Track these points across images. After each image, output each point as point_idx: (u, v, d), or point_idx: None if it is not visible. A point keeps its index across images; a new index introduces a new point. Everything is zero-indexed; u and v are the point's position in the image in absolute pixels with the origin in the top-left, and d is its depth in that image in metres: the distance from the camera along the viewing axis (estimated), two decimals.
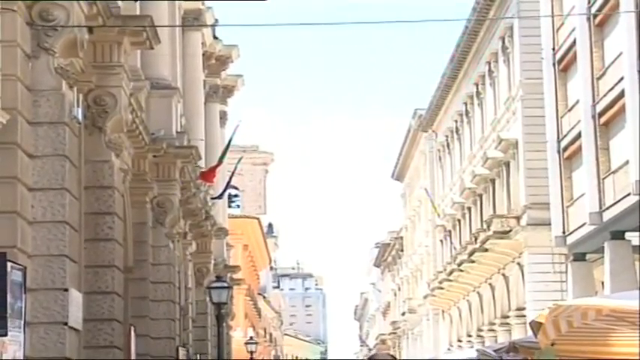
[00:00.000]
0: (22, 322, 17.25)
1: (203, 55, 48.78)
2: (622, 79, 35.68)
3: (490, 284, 58.96)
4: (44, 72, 21.80)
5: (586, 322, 15.82)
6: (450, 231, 70.98)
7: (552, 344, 15.98)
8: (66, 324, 21.56)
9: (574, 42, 42.00)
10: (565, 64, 44.58)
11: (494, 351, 25.53)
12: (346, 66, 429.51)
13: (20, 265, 17.50)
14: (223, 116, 57.93)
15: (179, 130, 36.88)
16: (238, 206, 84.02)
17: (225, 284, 39.34)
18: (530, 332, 19.35)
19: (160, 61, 35.21)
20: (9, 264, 14.99)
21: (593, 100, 39.76)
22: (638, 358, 17.82)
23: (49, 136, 21.85)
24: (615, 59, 37.16)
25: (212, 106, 52.95)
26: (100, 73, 25.31)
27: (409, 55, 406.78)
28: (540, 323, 16.14)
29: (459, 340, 66.43)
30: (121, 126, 27.13)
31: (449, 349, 63.95)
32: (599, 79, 39.21)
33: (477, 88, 62.46)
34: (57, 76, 22.08)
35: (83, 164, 24.45)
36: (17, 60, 20.08)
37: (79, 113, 23.88)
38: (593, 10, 39.45)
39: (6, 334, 15.15)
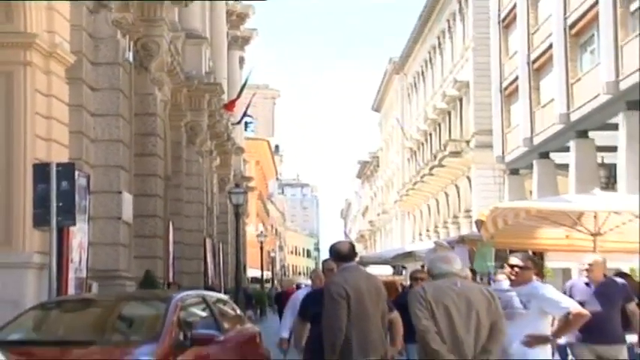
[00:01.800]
0: (87, 216, 17.38)
1: (226, 12, 48.62)
2: (551, 34, 35.64)
3: (445, 192, 59.16)
4: (103, 24, 21.83)
5: (517, 220, 15.95)
6: (415, 151, 71.10)
7: (491, 237, 16.12)
8: (120, 218, 21.76)
9: (515, 5, 41.86)
10: (507, 22, 44.47)
11: (448, 242, 25.70)
12: (339, 22, 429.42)
13: (85, 172, 17.63)
14: (242, 60, 57.88)
15: (207, 70, 36.83)
16: (252, 131, 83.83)
17: (242, 190, 39.49)
18: (475, 228, 19.47)
19: (193, 16, 35.15)
20: (77, 172, 15.06)
21: (529, 51, 39.75)
22: (557, 247, 18.00)
23: (106, 74, 21.92)
24: (547, 19, 37.07)
25: (233, 52, 52.91)
26: (146, 25, 25.29)
27: (385, 14, 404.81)
28: (482, 221, 16.27)
29: (420, 234, 66.71)
30: (163, 67, 27.20)
31: (412, 241, 64.22)
32: (533, 34, 39.12)
33: (439, 40, 62.23)
34: (113, 27, 22.09)
35: (133, 96, 24.52)
36: (82, 14, 20.14)
37: (130, 56, 23.92)
38: None
39: (74, 225, 15.26)
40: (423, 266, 28.27)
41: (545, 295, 8.65)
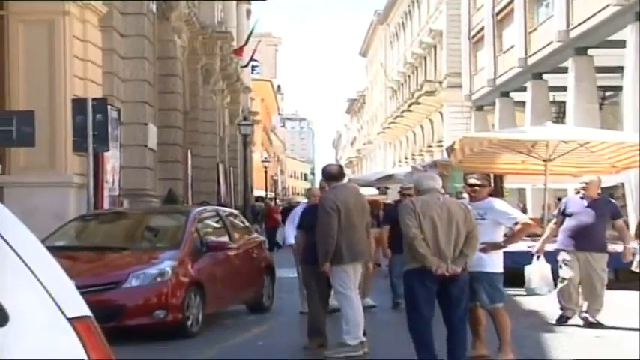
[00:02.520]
0: (118, 144, 17.47)
1: None
2: None
3: (421, 126, 59.11)
4: None
5: (482, 148, 16.05)
6: (396, 91, 70.86)
7: (460, 162, 16.24)
8: (146, 146, 21.83)
9: None
10: None
11: (422, 167, 25.84)
12: None
13: (116, 107, 17.66)
14: (248, 12, 57.41)
15: (219, 20, 36.66)
16: (258, 72, 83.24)
17: (249, 123, 39.60)
18: (445, 155, 19.55)
19: None
20: (109, 106, 15.09)
21: (494, 4, 39.51)
22: (514, 171, 18.12)
23: (133, 23, 21.84)
24: None
25: (241, 5, 52.44)
26: None
27: None
28: (453, 149, 16.38)
29: (400, 161, 66.75)
30: (181, 17, 27.08)
31: (393, 167, 64.32)
32: None
33: None
34: None
35: (156, 42, 24.41)
36: None
37: (153, 8, 23.77)
38: None
39: (108, 151, 15.34)
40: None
41: (498, 209, 8.73)
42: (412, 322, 7.97)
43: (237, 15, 49.16)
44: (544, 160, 16.03)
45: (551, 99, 32.40)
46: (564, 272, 10.79)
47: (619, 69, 24.89)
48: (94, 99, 14.65)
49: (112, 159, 17.07)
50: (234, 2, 47.35)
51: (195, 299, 10.41)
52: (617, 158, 16.11)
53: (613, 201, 12.06)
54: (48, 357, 2.59)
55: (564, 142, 16.00)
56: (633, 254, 11.47)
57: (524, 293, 11.28)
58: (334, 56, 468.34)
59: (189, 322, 10.26)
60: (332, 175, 9.53)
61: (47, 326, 2.58)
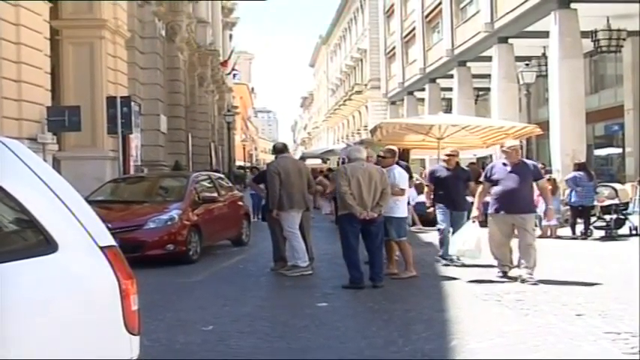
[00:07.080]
0: (139, 129, 17.27)
1: (221, 7, 47.38)
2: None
3: (352, 115, 59.10)
4: (147, 13, 21.38)
5: (394, 130, 16.11)
6: (334, 90, 70.66)
7: (379, 140, 16.23)
8: (159, 130, 21.59)
9: (393, 3, 41.12)
10: (389, 13, 43.85)
11: (354, 143, 25.81)
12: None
13: (138, 102, 17.44)
14: (231, 36, 56.76)
15: (210, 42, 36.19)
16: (238, 79, 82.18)
17: (232, 113, 39.22)
18: (370, 135, 19.50)
19: (201, 9, 34.32)
20: (132, 102, 14.92)
21: (401, 31, 39.47)
22: (417, 146, 18.14)
23: (149, 44, 21.61)
24: None
25: (225, 32, 51.79)
26: (173, 14, 24.75)
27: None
28: (375, 131, 16.39)
29: (338, 140, 66.70)
30: (183, 40, 26.69)
31: (333, 144, 64.25)
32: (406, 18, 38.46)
33: (349, 25, 61.38)
34: (153, 15, 21.60)
35: (165, 57, 24.09)
36: (134, 7, 19.75)
37: (163, 33, 23.42)
38: None
39: (132, 133, 15.18)
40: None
41: (393, 175, 8.66)
42: (345, 250, 8.04)
43: (223, 38, 48.59)
44: (437, 139, 16.09)
45: (442, 96, 32.61)
46: (490, 236, 8.28)
47: (488, 76, 24.98)
48: (121, 97, 14.57)
49: (135, 139, 16.90)
50: (221, 29, 46.74)
51: (195, 237, 10.36)
52: (487, 137, 16.29)
53: (534, 163, 8.96)
54: (87, 275, 2.57)
55: (452, 125, 16.12)
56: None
57: (453, 254, 9.09)
58: (292, 66, 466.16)
59: (190, 253, 10.21)
60: (276, 149, 9.59)
61: (86, 253, 2.56)
